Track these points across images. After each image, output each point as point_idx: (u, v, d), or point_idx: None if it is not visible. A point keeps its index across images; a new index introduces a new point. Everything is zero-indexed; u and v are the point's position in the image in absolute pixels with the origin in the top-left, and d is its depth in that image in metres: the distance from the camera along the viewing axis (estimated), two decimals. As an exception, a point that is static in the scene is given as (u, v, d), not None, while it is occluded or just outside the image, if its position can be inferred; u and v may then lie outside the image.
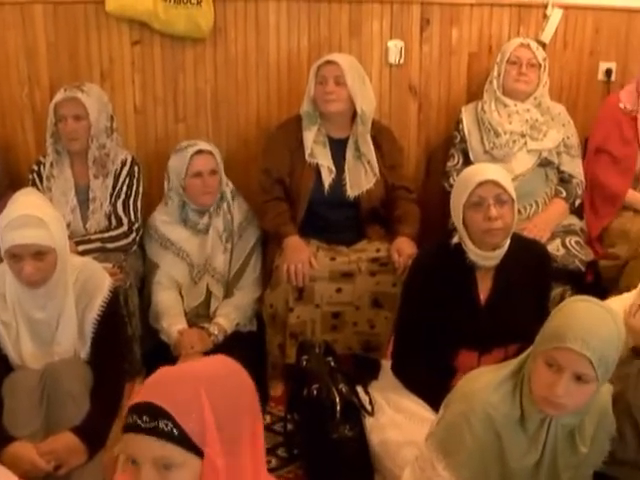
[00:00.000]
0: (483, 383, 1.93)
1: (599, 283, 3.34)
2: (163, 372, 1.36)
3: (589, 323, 1.78)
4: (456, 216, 2.48)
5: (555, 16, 3.79)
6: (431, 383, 2.50)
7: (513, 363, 1.95)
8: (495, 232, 2.42)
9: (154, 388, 1.33)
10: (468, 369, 2.28)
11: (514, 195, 2.46)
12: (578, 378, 1.78)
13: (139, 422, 1.28)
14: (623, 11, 3.90)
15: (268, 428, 2.88)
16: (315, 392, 2.54)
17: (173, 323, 3.02)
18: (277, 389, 3.10)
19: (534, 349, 1.88)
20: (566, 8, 3.80)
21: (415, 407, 2.50)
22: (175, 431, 1.26)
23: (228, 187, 3.21)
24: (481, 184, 2.41)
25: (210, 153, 3.11)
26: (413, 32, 3.70)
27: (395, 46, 3.67)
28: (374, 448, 2.48)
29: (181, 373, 1.37)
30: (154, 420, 1.27)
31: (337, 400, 2.49)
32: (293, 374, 2.77)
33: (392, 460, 2.38)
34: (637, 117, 3.45)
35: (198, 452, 1.28)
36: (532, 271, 2.55)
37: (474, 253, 2.48)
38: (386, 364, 2.72)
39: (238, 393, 1.37)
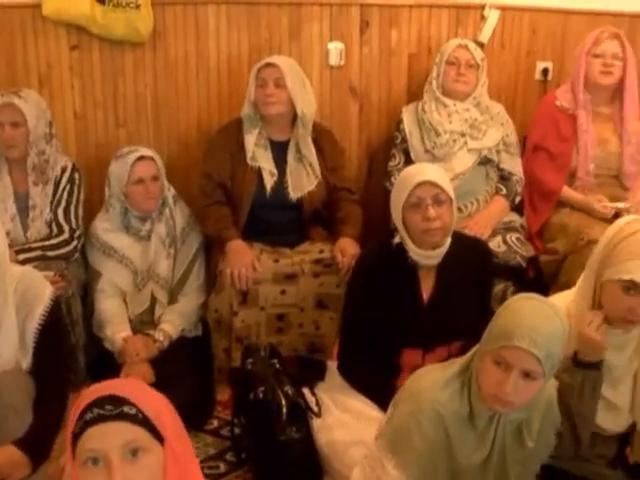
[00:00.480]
0: (431, 382, 1.95)
1: (540, 279, 3.40)
2: (96, 386, 1.39)
3: (535, 321, 1.81)
4: (396, 216, 2.50)
5: (492, 17, 3.84)
6: (377, 382, 2.52)
7: (460, 361, 1.97)
8: (434, 232, 2.45)
9: (100, 390, 1.35)
10: (412, 367, 2.33)
11: (452, 194, 2.49)
12: (526, 375, 1.81)
13: (102, 412, 1.31)
14: (559, 12, 3.97)
15: (216, 433, 2.88)
16: (261, 395, 2.54)
17: (117, 331, 2.99)
18: (224, 393, 3.09)
19: (481, 348, 1.90)
20: (503, 9, 3.86)
21: (362, 407, 2.51)
22: (139, 414, 1.32)
23: (170, 192, 3.19)
24: (419, 185, 2.43)
25: (151, 159, 3.08)
26: (353, 34, 3.71)
27: (335, 48, 3.68)
28: (322, 449, 2.48)
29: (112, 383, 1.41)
30: (119, 406, 1.31)
31: (283, 402, 2.49)
32: (239, 378, 2.76)
33: (340, 460, 2.39)
34: (574, 115, 3.52)
35: (160, 439, 1.33)
36: (474, 268, 2.58)
37: (415, 253, 2.50)
38: (332, 365, 2.72)
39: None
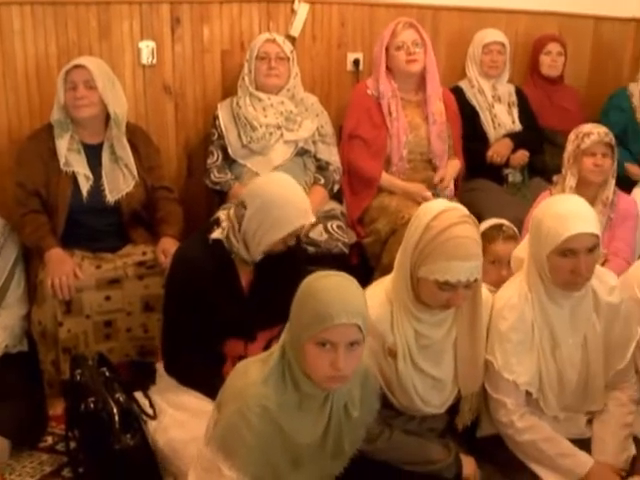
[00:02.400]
0: (252, 378, 1.94)
1: (366, 264, 3.51)
2: None
3: (341, 293, 1.85)
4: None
5: (302, 11, 3.91)
6: (205, 375, 2.51)
7: (274, 352, 1.97)
8: None
9: None
10: (236, 356, 2.38)
11: None
12: (351, 345, 1.86)
13: None
14: (365, 5, 4.12)
15: (51, 449, 2.80)
16: (91, 405, 2.47)
17: None
18: (57, 407, 2.98)
19: (295, 337, 1.91)
20: (312, 3, 3.95)
21: (196, 402, 2.49)
22: None
23: (-18, 202, 3.05)
24: None
25: None
26: (164, 32, 3.67)
27: (147, 47, 3.62)
28: (161, 450, 2.45)
29: None
30: None
31: (114, 410, 2.43)
32: (69, 390, 2.69)
33: (180, 459, 2.37)
34: (382, 103, 3.64)
35: None
36: (289, 257, 2.60)
37: (236, 247, 2.52)
38: (160, 366, 2.69)
39: None
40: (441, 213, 2.15)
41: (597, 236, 2.27)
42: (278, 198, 2.43)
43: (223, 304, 2.52)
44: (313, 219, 2.54)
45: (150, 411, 2.52)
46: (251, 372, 1.96)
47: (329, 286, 1.88)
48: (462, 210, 2.21)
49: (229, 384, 2.01)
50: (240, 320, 2.52)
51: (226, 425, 1.92)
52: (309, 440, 1.98)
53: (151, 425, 2.51)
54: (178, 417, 2.49)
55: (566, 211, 2.29)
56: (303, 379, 1.92)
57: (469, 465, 2.37)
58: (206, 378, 2.47)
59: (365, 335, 1.88)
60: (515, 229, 2.80)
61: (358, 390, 2.07)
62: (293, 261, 2.61)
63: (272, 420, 1.91)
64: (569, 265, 2.26)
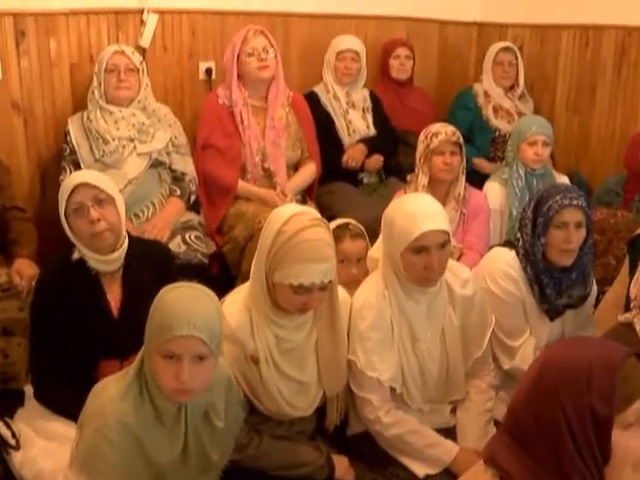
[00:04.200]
0: (111, 395, 1.91)
1: (227, 273, 3.50)
2: None
3: (188, 306, 1.85)
4: (64, 225, 2.45)
5: (151, 21, 3.86)
6: (76, 401, 2.42)
7: (133, 367, 1.95)
8: (101, 234, 2.42)
9: None
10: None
11: (113, 192, 2.48)
12: (197, 359, 1.85)
13: None
14: (215, 13, 4.11)
15: None
16: (-54, 440, 2.36)
17: None
18: None
19: (146, 348, 1.91)
20: (162, 13, 3.90)
21: (67, 430, 2.39)
22: None
23: None
24: (76, 188, 2.40)
25: None
26: (9, 46, 3.51)
27: (-8, 62, 3.47)
28: (30, 483, 2.36)
29: None
30: None
31: (-31, 444, 2.33)
32: None
33: (48, 491, 2.29)
34: (234, 111, 3.65)
35: None
36: (157, 272, 2.56)
37: (94, 260, 2.45)
38: (29, 391, 2.59)
39: None
40: (292, 217, 2.17)
41: (447, 232, 2.35)
42: None
43: (91, 325, 2.45)
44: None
45: (13, 441, 2.42)
46: (109, 390, 1.94)
47: (175, 298, 1.88)
48: (313, 213, 2.25)
49: (88, 404, 1.97)
50: (110, 340, 2.46)
51: (87, 445, 1.89)
52: (170, 454, 1.96)
53: (16, 457, 2.40)
54: (47, 447, 2.39)
55: (416, 210, 2.35)
56: (156, 392, 1.91)
57: (341, 465, 2.40)
58: (78, 405, 2.39)
59: (214, 349, 1.87)
60: (362, 227, 2.85)
61: (222, 401, 2.07)
62: (163, 276, 2.58)
63: (133, 436, 1.88)
64: (422, 262, 2.32)
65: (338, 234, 2.80)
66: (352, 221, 2.88)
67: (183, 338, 1.81)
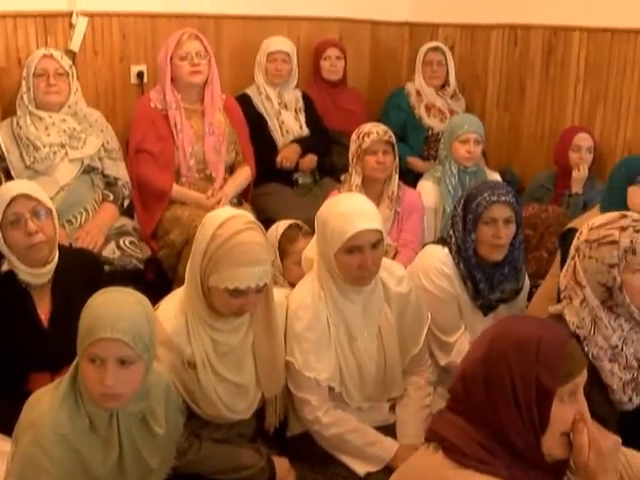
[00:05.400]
0: (46, 406, 1.89)
1: (164, 278, 3.47)
2: None
3: (113, 309, 1.84)
4: None
5: (81, 24, 3.81)
6: (8, 414, 2.37)
7: (67, 376, 1.93)
8: (38, 246, 2.39)
9: None
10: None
11: (51, 205, 2.46)
12: (123, 363, 1.83)
13: None
14: (145, 16, 4.07)
15: None
16: None
17: None
18: None
19: (77, 355, 1.89)
20: (91, 16, 3.85)
21: (1, 444, 2.37)
22: None
23: None
24: (14, 199, 2.38)
25: None
26: None
27: None
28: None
29: None
30: None
31: None
32: None
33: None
34: (168, 115, 3.63)
35: None
36: (88, 281, 2.52)
37: (26, 273, 2.42)
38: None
39: None
40: (226, 221, 2.17)
41: (380, 232, 2.37)
42: None
43: (21, 338, 2.42)
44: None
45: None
46: (44, 400, 1.91)
47: (101, 302, 1.87)
48: (247, 217, 2.25)
49: (23, 416, 1.94)
50: (41, 353, 2.42)
51: (23, 457, 1.86)
52: (107, 463, 1.94)
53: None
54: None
55: (348, 210, 2.38)
56: (87, 399, 1.89)
57: (282, 466, 2.41)
58: (10, 417, 2.34)
59: (141, 353, 1.85)
60: (307, 227, 2.88)
61: (161, 407, 2.05)
62: (93, 285, 2.55)
63: (69, 446, 1.86)
64: (356, 261, 2.34)
65: (291, 234, 2.84)
66: (299, 222, 2.91)
67: (106, 340, 1.80)
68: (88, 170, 3.42)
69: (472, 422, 1.54)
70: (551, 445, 1.54)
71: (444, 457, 1.53)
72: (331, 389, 2.45)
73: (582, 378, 1.57)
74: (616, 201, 3.06)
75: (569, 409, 1.54)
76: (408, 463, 1.67)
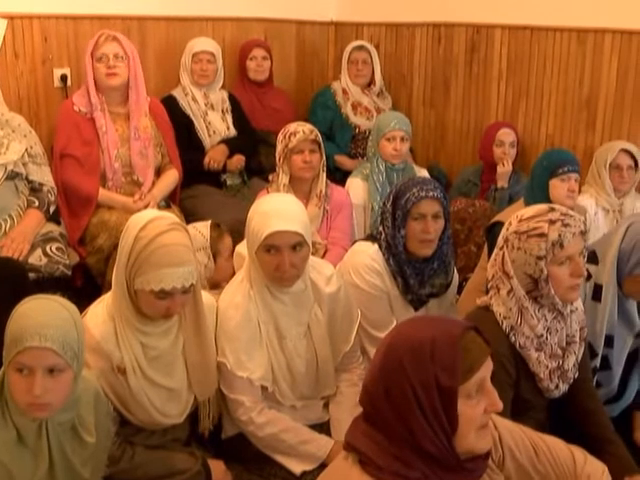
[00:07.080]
0: None
1: (94, 284, 3.42)
2: None
3: (40, 317, 1.80)
4: None
5: (0, 26, 3.73)
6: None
7: None
8: None
9: None
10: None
11: None
12: (51, 371, 1.80)
13: None
14: (67, 18, 4.01)
15: None
16: None
17: None
18: None
19: (3, 365, 1.85)
20: (11, 18, 3.79)
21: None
22: None
23: None
24: None
25: None
26: None
27: None
28: None
29: None
30: None
31: None
32: None
33: None
34: (93, 117, 3.59)
35: None
36: (12, 290, 2.49)
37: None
38: None
39: None
40: (149, 223, 2.16)
41: (300, 235, 2.35)
42: None
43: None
44: None
45: None
46: None
47: (27, 310, 1.83)
48: (171, 218, 2.24)
49: None
50: None
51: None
52: (36, 476, 1.90)
53: None
54: None
55: (269, 209, 2.38)
56: (15, 410, 1.85)
57: (218, 469, 2.39)
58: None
59: (70, 361, 1.83)
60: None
61: (91, 415, 2.02)
62: (18, 294, 2.50)
63: None
64: (273, 262, 2.34)
65: (216, 233, 2.84)
66: (211, 220, 2.93)
67: (34, 349, 1.77)
68: (12, 176, 3.33)
69: (383, 432, 1.51)
70: (470, 442, 1.50)
71: (361, 471, 1.51)
72: (264, 388, 2.45)
73: (486, 369, 1.52)
74: (539, 194, 3.15)
75: (478, 403, 1.51)
76: (327, 473, 1.64)
